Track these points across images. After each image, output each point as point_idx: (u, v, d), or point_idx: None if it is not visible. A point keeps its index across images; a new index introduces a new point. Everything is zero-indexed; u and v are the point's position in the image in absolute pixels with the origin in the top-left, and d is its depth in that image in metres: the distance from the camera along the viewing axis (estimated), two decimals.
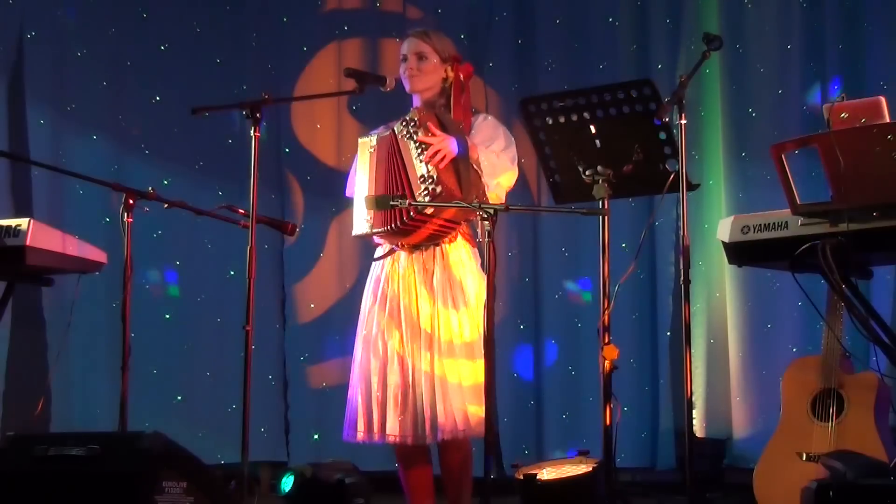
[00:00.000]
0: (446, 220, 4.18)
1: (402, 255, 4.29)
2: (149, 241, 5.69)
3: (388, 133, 4.24)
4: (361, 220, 4.24)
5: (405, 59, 4.38)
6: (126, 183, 4.47)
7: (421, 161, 4.11)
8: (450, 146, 4.12)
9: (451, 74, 4.36)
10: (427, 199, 4.06)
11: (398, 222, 4.11)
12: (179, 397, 6.12)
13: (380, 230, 4.20)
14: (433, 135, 4.14)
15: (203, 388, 6.20)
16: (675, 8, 6.16)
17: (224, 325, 6.10)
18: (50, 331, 5.78)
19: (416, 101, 4.41)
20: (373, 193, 4.18)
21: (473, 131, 4.32)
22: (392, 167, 4.18)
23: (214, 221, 4.59)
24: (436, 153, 4.10)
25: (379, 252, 4.37)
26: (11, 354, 5.75)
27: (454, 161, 4.14)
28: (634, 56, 6.23)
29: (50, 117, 5.97)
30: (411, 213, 4.08)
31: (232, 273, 6.14)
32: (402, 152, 4.16)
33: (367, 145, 4.28)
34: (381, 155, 4.23)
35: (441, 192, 4.07)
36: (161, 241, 6.02)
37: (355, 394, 4.30)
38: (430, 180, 4.09)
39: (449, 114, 4.30)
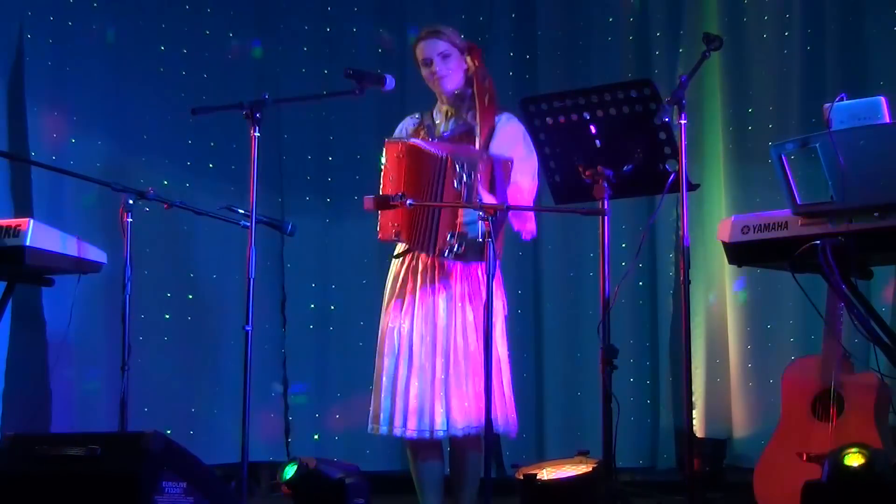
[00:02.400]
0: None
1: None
2: (149, 241, 5.69)
3: (440, 155, 4.15)
4: (388, 224, 4.20)
5: (428, 62, 4.37)
6: (126, 183, 4.47)
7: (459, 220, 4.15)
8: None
9: (471, 63, 4.37)
10: (447, 252, 4.14)
11: (447, 255, 4.17)
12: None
13: (406, 246, 4.24)
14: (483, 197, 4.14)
15: (203, 388, 6.20)
16: (675, 8, 6.15)
17: (224, 325, 6.10)
18: (50, 331, 5.78)
19: (443, 100, 4.42)
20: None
21: (495, 134, 4.32)
22: (431, 190, 4.12)
23: (214, 221, 4.59)
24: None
25: (399, 249, 4.38)
26: (11, 354, 5.75)
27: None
28: (634, 56, 6.23)
29: (50, 117, 5.96)
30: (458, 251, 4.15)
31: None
32: (445, 190, 4.11)
33: (396, 149, 4.23)
34: (421, 168, 4.16)
35: (463, 254, 4.15)
36: (161, 241, 6.02)
37: (377, 388, 4.32)
38: (456, 240, 4.13)
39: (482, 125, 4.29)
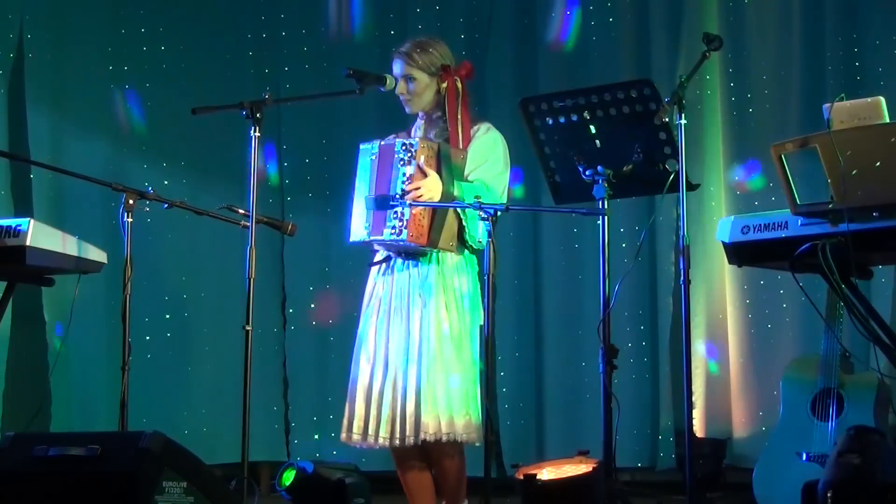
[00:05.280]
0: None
1: (399, 259, 4.29)
2: (149, 241, 5.69)
3: (391, 143, 4.22)
4: (360, 226, 4.23)
5: (397, 79, 4.37)
6: (126, 183, 4.47)
7: (400, 193, 4.11)
8: (433, 193, 4.11)
9: (443, 86, 4.34)
10: (392, 234, 4.10)
11: (390, 232, 4.13)
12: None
13: (378, 239, 4.20)
14: (423, 174, 4.12)
15: (203, 388, 6.20)
16: (675, 8, 6.15)
17: (224, 325, 6.10)
18: (50, 331, 5.78)
19: (421, 115, 4.42)
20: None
21: (471, 142, 4.30)
22: (382, 180, 4.18)
23: (214, 221, 4.59)
24: (416, 193, 4.09)
25: (377, 257, 4.37)
26: (11, 354, 5.76)
27: (434, 208, 4.14)
28: (634, 56, 6.23)
29: (50, 117, 5.97)
30: (399, 224, 4.10)
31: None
32: (392, 174, 4.15)
33: (368, 151, 4.26)
34: (380, 163, 4.21)
35: (408, 233, 4.09)
36: (161, 241, 6.02)
37: (351, 396, 4.31)
38: (398, 215, 4.10)
39: (456, 147, 4.25)
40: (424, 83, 4.33)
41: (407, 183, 4.11)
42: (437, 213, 4.15)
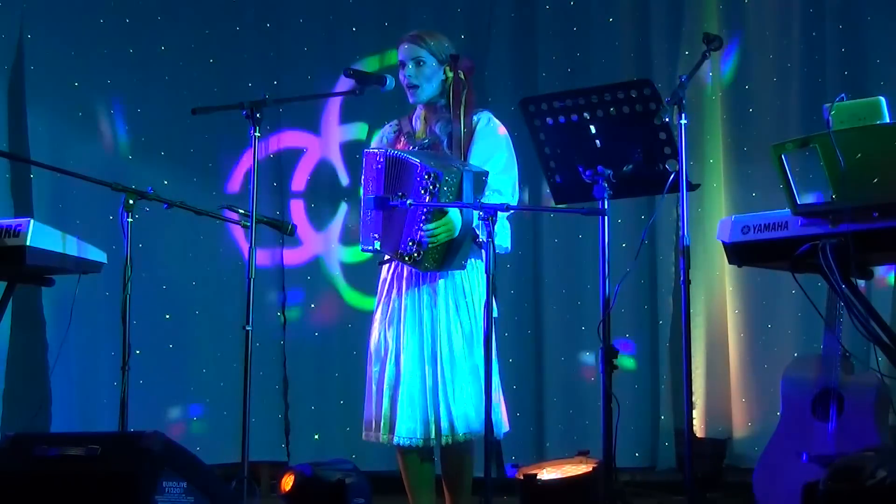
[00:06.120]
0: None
1: None
2: (149, 241, 5.69)
3: (412, 163, 4.14)
4: (372, 237, 4.22)
5: (402, 65, 4.35)
6: (126, 183, 4.47)
7: (419, 226, 4.10)
8: (452, 231, 4.11)
9: (449, 75, 4.33)
10: (407, 260, 4.13)
11: (405, 259, 4.14)
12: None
13: (386, 255, 4.22)
14: (441, 213, 4.11)
15: (203, 388, 6.20)
16: (675, 8, 6.15)
17: (224, 325, 6.10)
18: (50, 331, 5.78)
19: (420, 106, 4.41)
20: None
21: (474, 139, 4.29)
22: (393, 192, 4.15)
23: (214, 221, 4.59)
24: (436, 233, 4.10)
25: (386, 255, 4.37)
26: (11, 354, 5.76)
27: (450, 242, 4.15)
28: (634, 56, 6.23)
29: (50, 117, 5.97)
30: (416, 257, 4.11)
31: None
32: (414, 197, 4.09)
33: (374, 159, 4.23)
34: (388, 174, 4.17)
35: (423, 264, 4.11)
36: (161, 241, 6.02)
37: (368, 395, 4.31)
38: (415, 247, 4.10)
39: (459, 133, 4.25)
40: (432, 69, 4.31)
41: (427, 219, 4.09)
42: (452, 244, 4.15)
